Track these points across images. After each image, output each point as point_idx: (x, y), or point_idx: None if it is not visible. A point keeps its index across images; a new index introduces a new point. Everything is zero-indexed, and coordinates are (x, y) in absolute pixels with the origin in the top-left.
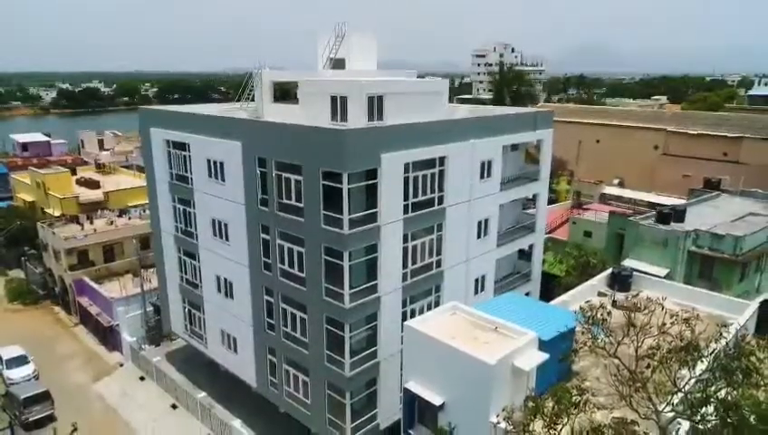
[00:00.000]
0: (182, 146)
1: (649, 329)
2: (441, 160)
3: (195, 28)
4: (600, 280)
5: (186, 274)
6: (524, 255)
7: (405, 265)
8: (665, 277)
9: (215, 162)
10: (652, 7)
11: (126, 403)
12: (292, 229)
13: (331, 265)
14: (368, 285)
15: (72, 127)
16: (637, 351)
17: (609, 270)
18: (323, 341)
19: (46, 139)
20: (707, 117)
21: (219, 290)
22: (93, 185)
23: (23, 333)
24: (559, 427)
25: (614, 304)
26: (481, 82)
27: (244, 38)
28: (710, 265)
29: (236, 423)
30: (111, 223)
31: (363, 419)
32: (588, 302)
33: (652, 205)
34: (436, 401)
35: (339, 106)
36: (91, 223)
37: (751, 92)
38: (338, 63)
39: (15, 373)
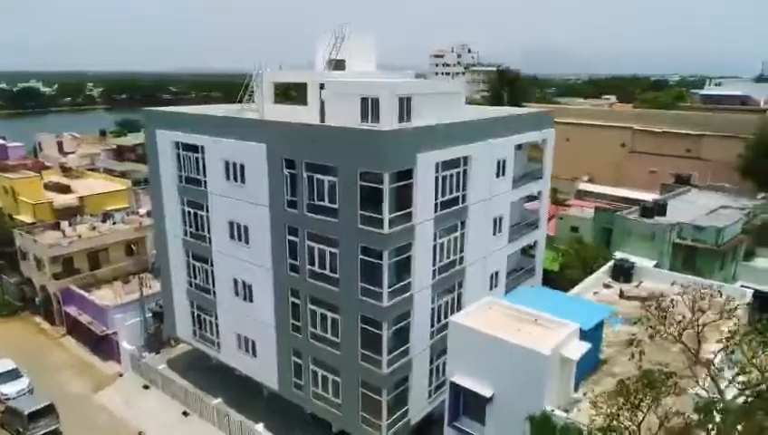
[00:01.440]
0: (194, 148)
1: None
2: (465, 160)
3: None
4: (604, 272)
5: (195, 278)
6: (524, 251)
7: (434, 263)
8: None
9: (234, 164)
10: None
11: (133, 413)
12: (325, 230)
13: (368, 265)
14: (403, 283)
15: (14, 129)
16: (698, 334)
17: (612, 263)
18: (357, 340)
19: (0, 141)
20: (669, 116)
21: (237, 294)
22: (64, 189)
23: (6, 346)
24: (644, 411)
25: (621, 294)
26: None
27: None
28: (693, 256)
29: (259, 427)
30: (94, 228)
31: (396, 415)
32: (595, 292)
33: (625, 200)
34: (486, 392)
35: (370, 107)
36: (74, 229)
37: (703, 92)
38: (338, 65)
39: (9, 388)
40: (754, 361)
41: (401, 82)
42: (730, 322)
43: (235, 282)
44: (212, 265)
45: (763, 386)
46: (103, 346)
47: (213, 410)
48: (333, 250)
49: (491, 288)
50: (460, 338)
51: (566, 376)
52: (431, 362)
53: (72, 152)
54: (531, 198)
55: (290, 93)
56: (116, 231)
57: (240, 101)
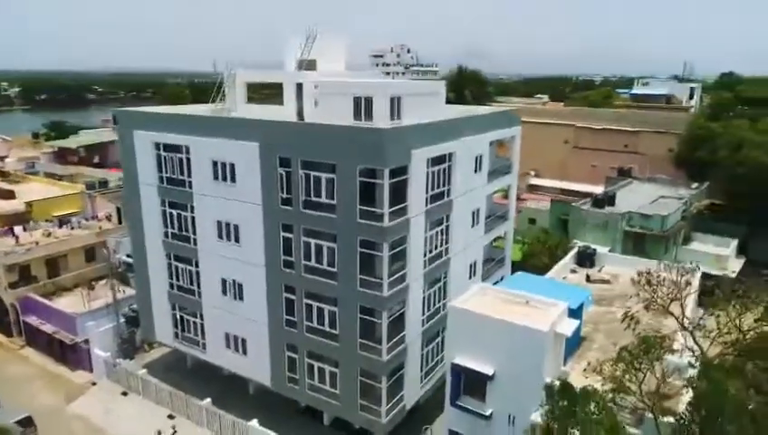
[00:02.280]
0: (177, 148)
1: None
2: (450, 156)
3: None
4: (569, 259)
5: (177, 280)
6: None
7: (425, 255)
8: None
9: (223, 164)
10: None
11: (114, 421)
12: (322, 226)
13: (367, 257)
14: (399, 274)
15: None
16: (682, 304)
17: (575, 250)
18: (357, 330)
19: None
20: (608, 114)
21: (225, 293)
22: (7, 195)
23: None
24: (644, 371)
25: (588, 278)
26: None
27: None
28: (642, 241)
29: (254, 423)
30: (49, 234)
31: (393, 401)
32: (564, 277)
33: (572, 192)
34: (488, 370)
35: (363, 106)
36: (30, 235)
37: (633, 92)
38: (310, 65)
39: None
40: (736, 322)
41: (393, 83)
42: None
43: (224, 282)
44: (197, 265)
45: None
46: (70, 355)
47: (202, 411)
48: (331, 245)
49: (470, 277)
50: (460, 322)
51: (558, 351)
52: (422, 349)
53: (6, 156)
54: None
55: (263, 93)
56: (75, 236)
57: (213, 101)
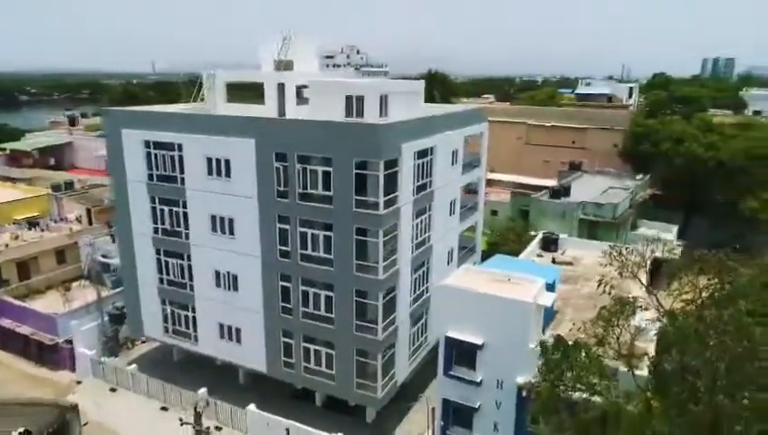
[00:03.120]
0: (169, 146)
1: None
2: (432, 150)
3: None
4: (535, 245)
5: (168, 274)
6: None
7: (412, 241)
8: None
9: (218, 160)
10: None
11: (106, 414)
12: (318, 216)
13: (363, 244)
14: (391, 259)
15: None
16: (648, 272)
17: (540, 236)
18: (353, 313)
19: None
20: (556, 112)
21: (219, 285)
22: None
23: None
24: (620, 328)
25: (553, 260)
26: None
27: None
28: (595, 228)
29: (252, 407)
30: (16, 237)
31: (387, 377)
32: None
33: (527, 186)
34: (479, 341)
35: (355, 104)
36: None
37: (577, 91)
38: (287, 65)
39: None
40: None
41: (381, 82)
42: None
43: (217, 274)
44: (189, 259)
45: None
46: (49, 356)
47: (198, 401)
48: (327, 233)
49: (448, 263)
50: (453, 299)
51: (539, 321)
52: (410, 329)
53: None
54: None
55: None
56: (46, 239)
57: (194, 100)
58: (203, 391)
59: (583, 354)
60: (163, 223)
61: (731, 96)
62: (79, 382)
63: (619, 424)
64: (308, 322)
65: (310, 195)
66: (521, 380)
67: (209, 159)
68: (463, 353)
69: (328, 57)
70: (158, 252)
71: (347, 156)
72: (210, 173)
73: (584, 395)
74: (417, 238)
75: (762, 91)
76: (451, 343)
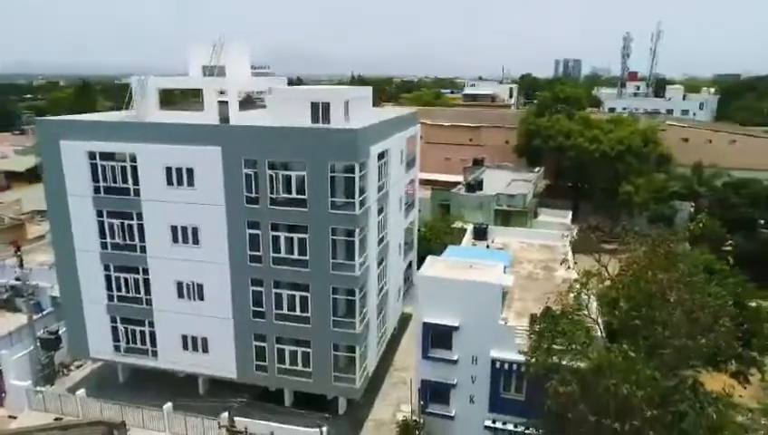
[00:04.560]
0: (120, 157)
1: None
2: (387, 152)
3: None
4: (468, 235)
5: (120, 291)
6: None
7: (377, 238)
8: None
9: (179, 169)
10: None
11: None
12: (292, 220)
13: (338, 243)
14: (364, 256)
15: None
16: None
17: (472, 227)
18: (329, 310)
19: None
20: (452, 112)
21: (182, 296)
22: None
23: None
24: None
25: (487, 248)
26: None
27: None
28: (509, 217)
29: (225, 415)
30: None
31: (362, 368)
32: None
33: (433, 181)
34: (455, 323)
35: (321, 110)
36: None
37: (464, 92)
38: (220, 71)
39: None
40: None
41: (345, 89)
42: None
43: (180, 284)
44: (145, 273)
45: None
46: None
47: (164, 418)
48: (302, 236)
49: (398, 257)
50: (429, 286)
51: (502, 300)
52: (377, 321)
53: None
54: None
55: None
56: None
57: (126, 108)
58: (168, 405)
59: (565, 321)
60: (113, 237)
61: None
62: (13, 417)
63: (611, 370)
64: (282, 323)
65: (282, 199)
66: (494, 353)
67: (168, 169)
68: (440, 336)
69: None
70: (107, 268)
71: (323, 160)
72: (170, 183)
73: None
74: (380, 235)
75: (609, 90)
76: (429, 328)
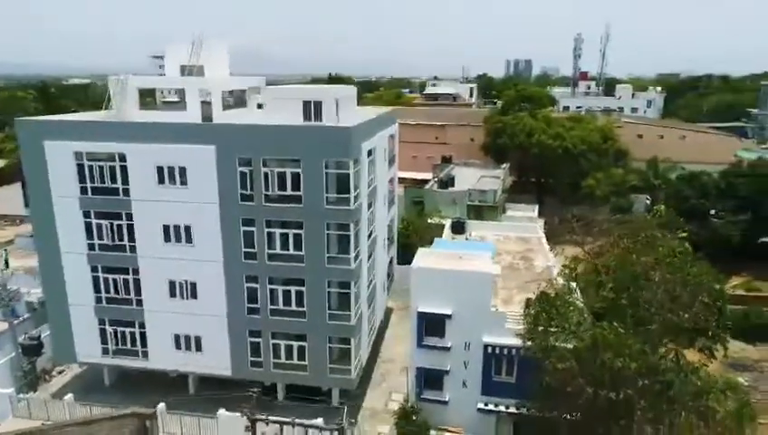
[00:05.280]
0: (108, 157)
1: None
2: (374, 149)
3: None
4: (447, 229)
5: (108, 292)
6: None
7: (367, 232)
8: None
9: (170, 168)
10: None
11: None
12: (287, 216)
13: (334, 238)
14: (357, 250)
15: None
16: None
17: (450, 222)
18: (325, 303)
19: None
20: (415, 111)
21: (174, 295)
22: None
23: None
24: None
25: (467, 240)
26: None
27: None
28: (481, 211)
29: (222, 411)
30: None
31: (357, 359)
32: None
33: (402, 179)
34: (448, 311)
35: (313, 109)
36: None
37: (426, 92)
38: (198, 71)
39: None
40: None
41: (336, 88)
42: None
43: (172, 284)
44: (135, 273)
45: None
46: None
47: (159, 416)
48: (297, 231)
49: (384, 251)
50: (423, 277)
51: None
52: (367, 313)
53: None
54: None
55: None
56: None
57: (106, 108)
58: (161, 405)
59: (559, 303)
60: (101, 238)
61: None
62: None
63: (606, 345)
64: (277, 318)
65: (277, 196)
66: (486, 339)
67: (160, 168)
68: (433, 324)
69: (157, 57)
70: (94, 269)
71: (318, 156)
72: (162, 182)
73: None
74: (369, 230)
75: (562, 90)
76: (423, 317)
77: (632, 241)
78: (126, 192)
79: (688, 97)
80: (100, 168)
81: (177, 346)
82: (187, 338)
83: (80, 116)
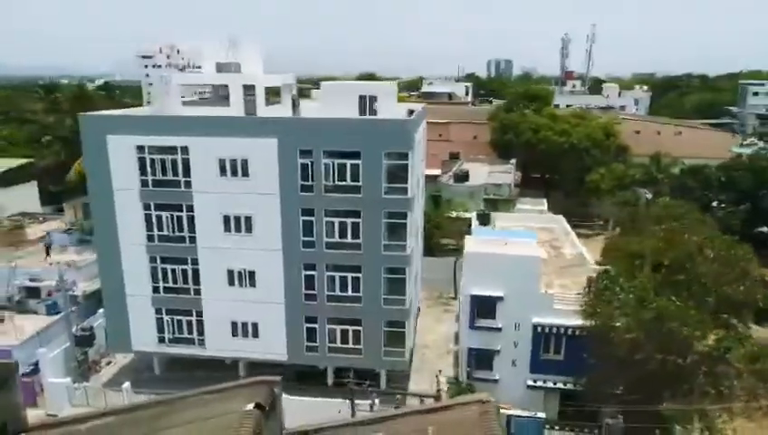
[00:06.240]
0: (170, 150)
1: None
2: (420, 141)
3: None
4: (474, 221)
5: (166, 282)
6: None
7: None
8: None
9: (233, 160)
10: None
11: None
12: (346, 205)
13: (390, 226)
14: (410, 238)
15: None
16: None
17: (475, 214)
18: (380, 289)
19: None
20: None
21: (232, 283)
22: None
23: None
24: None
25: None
26: (152, 84)
27: None
28: (496, 204)
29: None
30: None
31: (409, 341)
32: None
33: None
34: (500, 294)
35: (368, 103)
36: None
37: (423, 90)
38: (236, 68)
39: None
40: None
41: (388, 84)
42: None
43: (230, 272)
44: (194, 263)
45: None
46: None
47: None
48: (355, 220)
49: (417, 239)
50: (474, 262)
51: None
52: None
53: None
54: None
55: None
56: None
57: (149, 103)
58: None
59: (622, 280)
60: (161, 230)
61: None
62: (53, 416)
63: (671, 316)
64: (333, 304)
65: (336, 186)
66: (536, 319)
67: (222, 160)
68: (485, 307)
69: (145, 57)
70: (152, 260)
71: (378, 148)
72: (223, 174)
73: (633, 310)
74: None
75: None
76: (476, 300)
77: (678, 223)
78: (187, 184)
79: (670, 96)
80: (162, 160)
81: (234, 333)
82: (244, 325)
83: (142, 111)
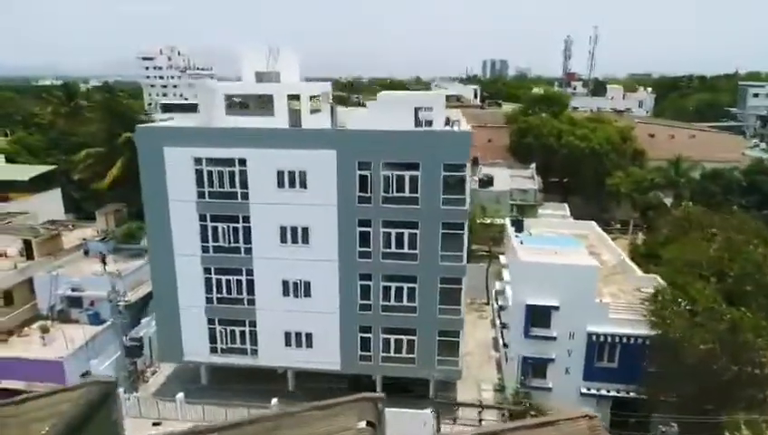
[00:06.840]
0: (228, 162)
1: None
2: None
3: None
4: (509, 227)
5: (220, 293)
6: None
7: None
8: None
9: (291, 172)
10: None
11: None
12: (403, 216)
13: (446, 237)
14: (464, 248)
15: None
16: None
17: (509, 219)
18: (436, 299)
19: None
20: None
21: (287, 294)
22: None
23: None
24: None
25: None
26: (153, 86)
27: None
28: (522, 209)
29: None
30: None
31: (460, 349)
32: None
33: None
34: (555, 303)
35: (424, 114)
36: None
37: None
38: (276, 77)
39: None
40: None
41: (441, 93)
42: None
43: (285, 283)
44: (249, 274)
45: None
46: None
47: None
48: (413, 231)
49: None
50: (528, 272)
51: None
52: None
53: None
54: None
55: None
56: None
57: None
58: (275, 401)
59: (694, 290)
60: (216, 241)
61: None
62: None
63: (743, 326)
64: (388, 314)
65: (394, 198)
66: (591, 328)
67: (281, 172)
68: (539, 316)
69: (146, 59)
70: (207, 271)
71: (437, 159)
72: (281, 185)
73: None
74: None
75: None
76: (530, 309)
77: (738, 234)
78: (245, 196)
79: (672, 97)
80: (220, 172)
81: (287, 343)
82: (298, 335)
83: (186, 121)
